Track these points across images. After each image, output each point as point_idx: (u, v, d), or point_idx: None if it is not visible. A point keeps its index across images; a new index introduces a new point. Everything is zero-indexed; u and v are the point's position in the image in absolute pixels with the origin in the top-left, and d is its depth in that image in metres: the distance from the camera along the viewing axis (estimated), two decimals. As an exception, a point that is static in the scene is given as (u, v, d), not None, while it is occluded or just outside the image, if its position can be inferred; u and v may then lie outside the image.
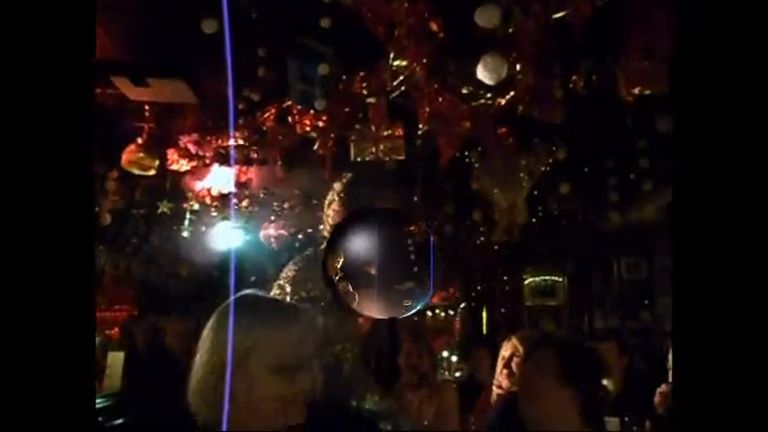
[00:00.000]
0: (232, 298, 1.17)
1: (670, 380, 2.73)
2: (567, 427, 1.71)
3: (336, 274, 1.11)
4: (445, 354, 5.73)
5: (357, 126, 4.25)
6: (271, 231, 5.20)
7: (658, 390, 3.07)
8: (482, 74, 2.72)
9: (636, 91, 3.71)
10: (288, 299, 1.64)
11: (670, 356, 2.77)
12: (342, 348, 1.60)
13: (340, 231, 1.10)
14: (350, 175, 1.89)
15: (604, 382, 1.81)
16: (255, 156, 4.77)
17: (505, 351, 2.64)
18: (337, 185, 1.84)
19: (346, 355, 1.61)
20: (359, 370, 1.63)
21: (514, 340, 2.63)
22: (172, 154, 4.62)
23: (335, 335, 1.61)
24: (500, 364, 2.65)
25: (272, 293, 1.70)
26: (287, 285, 1.66)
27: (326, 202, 1.85)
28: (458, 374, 5.15)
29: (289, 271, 1.70)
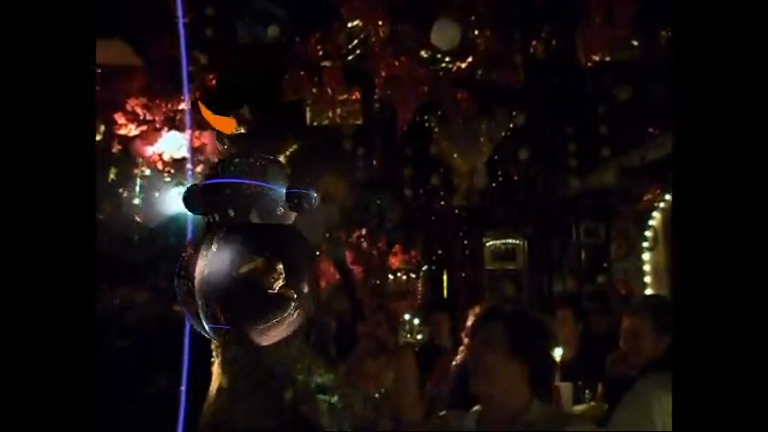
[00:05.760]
0: None
1: (621, 344, 2.75)
2: (517, 400, 1.70)
3: None
4: (407, 317, 5.75)
5: (313, 90, 4.13)
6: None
7: (609, 355, 3.11)
8: (436, 39, 2.64)
9: (596, 57, 3.67)
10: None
11: (623, 321, 2.78)
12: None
13: None
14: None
15: (555, 351, 1.80)
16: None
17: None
18: None
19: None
20: (301, 342, 1.54)
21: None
22: (119, 118, 4.43)
23: None
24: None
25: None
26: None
27: None
28: (419, 337, 5.22)
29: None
